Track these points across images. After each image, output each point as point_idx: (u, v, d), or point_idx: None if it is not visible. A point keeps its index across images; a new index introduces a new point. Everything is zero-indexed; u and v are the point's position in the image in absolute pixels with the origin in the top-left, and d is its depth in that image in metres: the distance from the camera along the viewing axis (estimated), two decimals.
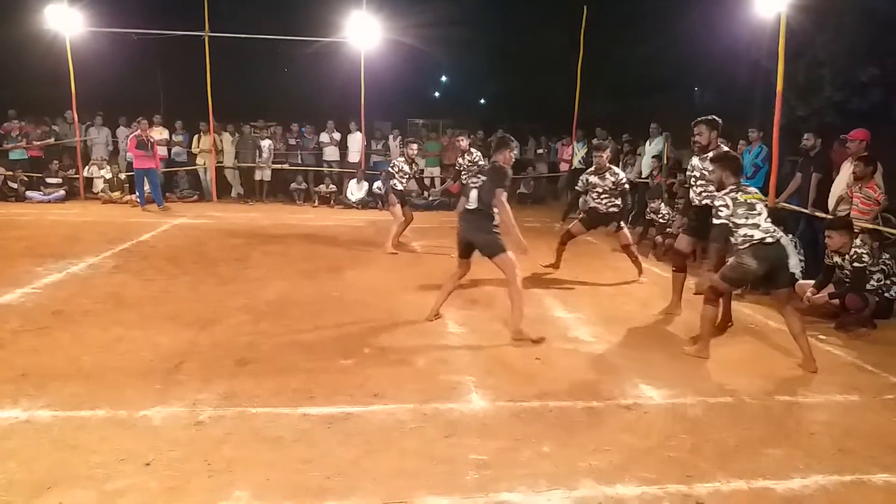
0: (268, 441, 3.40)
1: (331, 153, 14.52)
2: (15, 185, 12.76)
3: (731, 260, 4.85)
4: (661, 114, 12.88)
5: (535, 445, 3.45)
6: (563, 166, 14.88)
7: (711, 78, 18.30)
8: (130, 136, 12.35)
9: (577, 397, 4.09)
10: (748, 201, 4.75)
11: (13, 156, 13.28)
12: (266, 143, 14.02)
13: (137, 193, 12.33)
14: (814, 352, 4.80)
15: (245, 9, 18.53)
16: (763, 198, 4.91)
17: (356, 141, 14.40)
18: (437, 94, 34.45)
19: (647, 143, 11.60)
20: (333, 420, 3.65)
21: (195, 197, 13.96)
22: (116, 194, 13.14)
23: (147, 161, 11.88)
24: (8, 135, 13.36)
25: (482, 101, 33.24)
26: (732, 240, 4.80)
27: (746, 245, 4.68)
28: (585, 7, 13.69)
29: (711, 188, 5.24)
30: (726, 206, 4.77)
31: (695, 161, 5.79)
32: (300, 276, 7.15)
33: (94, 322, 5.26)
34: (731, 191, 4.82)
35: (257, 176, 14.17)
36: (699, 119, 5.72)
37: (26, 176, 13.05)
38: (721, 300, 5.11)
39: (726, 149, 5.43)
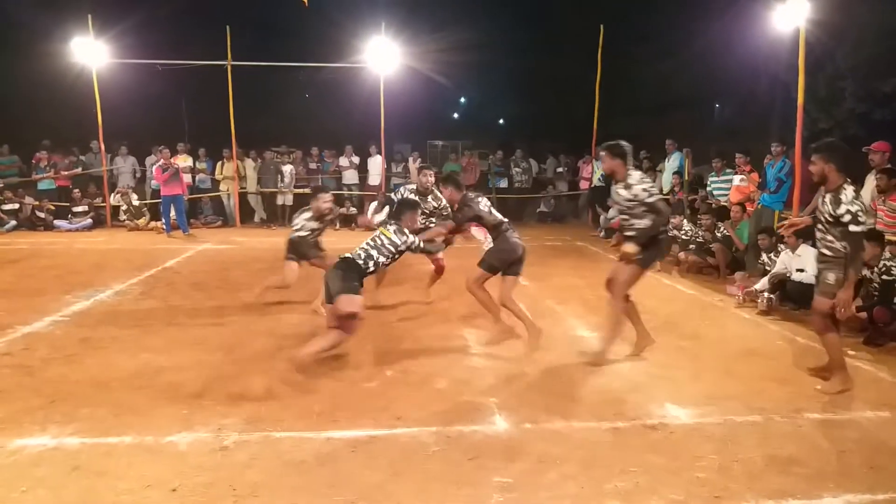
0: (292, 465, 3.41)
1: (350, 177, 14.68)
2: (42, 215, 13.05)
3: (833, 275, 4.44)
4: (681, 130, 12.84)
5: (559, 467, 3.42)
6: (584, 184, 14.86)
7: (731, 93, 18.24)
8: (155, 165, 12.61)
9: (601, 418, 4.05)
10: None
11: (42, 186, 13.63)
12: (287, 169, 14.21)
13: (163, 220, 12.55)
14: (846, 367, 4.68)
15: (266, 37, 18.90)
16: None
17: (376, 164, 14.55)
18: (456, 115, 34.68)
19: (666, 160, 11.56)
20: (357, 443, 3.66)
21: (219, 223, 14.17)
22: (142, 221, 13.38)
23: (173, 188, 12.11)
24: (37, 165, 13.71)
25: (501, 121, 33.40)
26: (830, 250, 4.43)
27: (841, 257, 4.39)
28: (602, 26, 13.76)
29: (631, 220, 4.96)
30: (863, 212, 4.32)
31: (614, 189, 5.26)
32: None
33: (122, 348, 5.34)
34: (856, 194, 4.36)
35: (279, 201, 14.34)
36: (602, 145, 5.21)
37: (53, 205, 13.35)
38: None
39: (638, 174, 4.95)
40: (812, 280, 6.65)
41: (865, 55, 11.13)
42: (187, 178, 13.52)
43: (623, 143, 4.94)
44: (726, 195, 9.74)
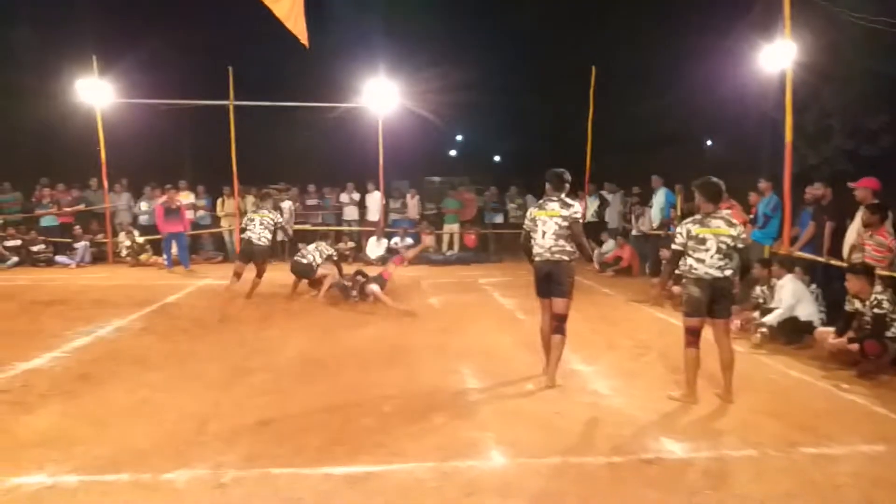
0: (290, 502, 3.43)
1: (350, 213, 14.87)
2: (35, 249, 13.09)
3: (684, 294, 5.09)
4: (672, 166, 13.05)
5: (556, 503, 3.44)
6: None
7: (721, 130, 18.57)
8: (157, 204, 12.74)
9: (598, 452, 4.08)
10: (699, 235, 4.93)
11: (44, 222, 13.74)
12: (287, 205, 14.33)
13: (165, 256, 12.62)
14: (837, 401, 4.78)
15: (268, 78, 19.25)
16: (727, 232, 4.91)
17: (375, 200, 14.74)
18: (452, 152, 35.09)
19: (654, 195, 11.75)
20: (354, 480, 3.68)
21: (220, 258, 14.24)
22: (144, 256, 13.44)
23: (175, 225, 12.22)
24: (39, 201, 13.85)
25: (497, 157, 33.80)
26: (683, 267, 5.04)
27: (691, 276, 4.97)
28: (594, 67, 14.11)
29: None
30: (682, 234, 5.05)
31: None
32: (321, 334, 7.24)
33: (120, 385, 5.36)
34: (693, 221, 5.04)
35: (279, 236, 14.42)
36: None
37: (55, 241, 13.42)
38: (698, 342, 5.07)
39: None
40: (787, 314, 6.82)
41: (852, 94, 11.41)
42: (189, 214, 13.63)
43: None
44: None
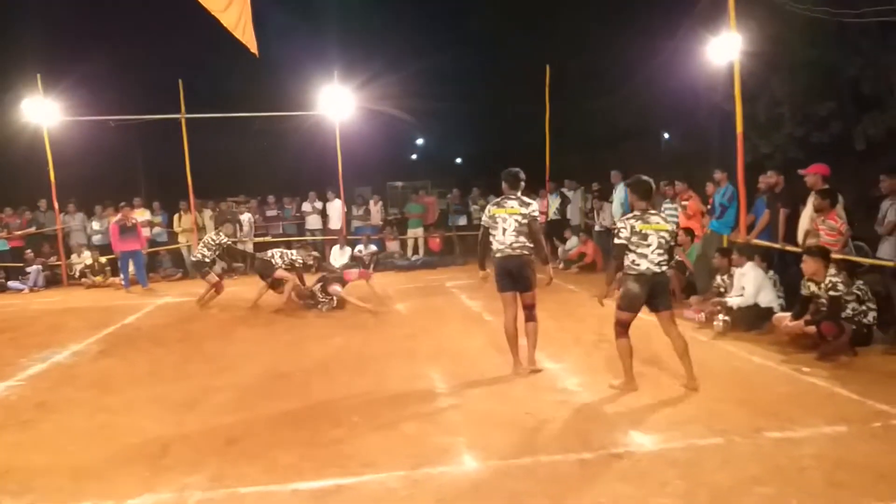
0: None
1: (313, 222, 14.72)
2: None
3: (621, 288, 5.22)
4: (630, 161, 13.21)
5: None
6: (540, 218, 15.11)
7: (675, 123, 18.88)
8: (112, 222, 12.41)
9: (568, 450, 4.09)
10: (643, 231, 5.04)
11: None
12: (245, 217, 14.15)
13: (122, 276, 12.31)
14: (799, 384, 4.88)
15: (219, 89, 18.95)
16: (666, 228, 5.10)
17: (336, 208, 14.60)
18: (414, 156, 35.06)
19: (613, 190, 11.88)
20: (324, 494, 3.63)
21: (179, 275, 13.94)
22: (99, 278, 13.10)
23: (131, 243, 11.91)
24: None
25: (458, 160, 33.87)
26: (625, 262, 5.13)
27: (632, 272, 5.06)
28: (548, 66, 14.24)
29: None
30: (625, 229, 5.11)
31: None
32: (285, 348, 7.14)
33: (79, 411, 5.21)
34: (635, 217, 5.13)
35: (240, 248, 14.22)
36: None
37: (3, 266, 13.00)
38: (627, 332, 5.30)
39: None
40: (750, 301, 6.96)
41: (800, 83, 11.67)
42: (145, 231, 13.33)
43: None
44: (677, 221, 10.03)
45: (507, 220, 5.55)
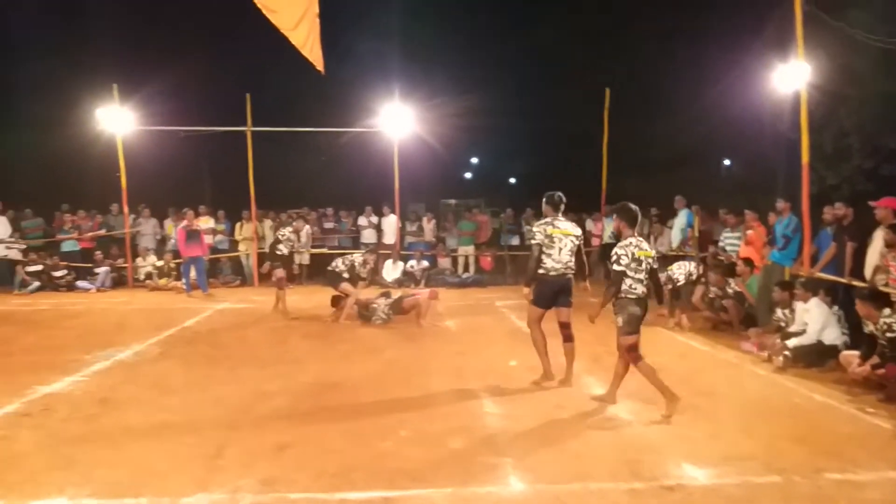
0: None
1: (369, 236, 14.95)
2: (59, 274, 13.28)
3: (621, 316, 5.26)
4: (689, 186, 12.99)
5: None
6: (595, 241, 14.96)
7: (737, 150, 18.47)
8: (179, 227, 12.87)
9: (618, 478, 4.02)
10: (638, 257, 5.20)
11: (65, 247, 13.94)
12: (304, 228, 14.45)
13: (184, 281, 12.70)
14: (863, 425, 4.71)
15: (285, 103, 19.53)
16: (650, 254, 5.31)
17: (391, 223, 14.80)
18: (468, 174, 35.24)
19: (677, 216, 11.67)
20: None
21: (238, 282, 14.34)
22: (163, 281, 13.58)
23: (195, 249, 12.34)
24: (61, 227, 14.07)
25: (512, 180, 33.87)
26: (623, 286, 5.22)
27: (632, 296, 5.20)
28: (608, 90, 14.16)
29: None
30: (626, 256, 5.20)
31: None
32: (337, 358, 7.24)
33: (139, 409, 5.40)
34: (631, 245, 5.24)
35: (297, 260, 14.53)
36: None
37: (76, 266, 13.62)
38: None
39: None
40: (814, 339, 6.71)
41: (869, 114, 11.33)
42: (208, 238, 13.77)
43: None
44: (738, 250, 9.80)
45: (564, 241, 5.76)
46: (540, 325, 6.01)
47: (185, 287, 12.68)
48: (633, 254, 5.20)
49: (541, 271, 5.84)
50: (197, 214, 13.67)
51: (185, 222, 12.65)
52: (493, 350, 7.58)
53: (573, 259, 5.86)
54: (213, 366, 6.91)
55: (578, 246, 5.93)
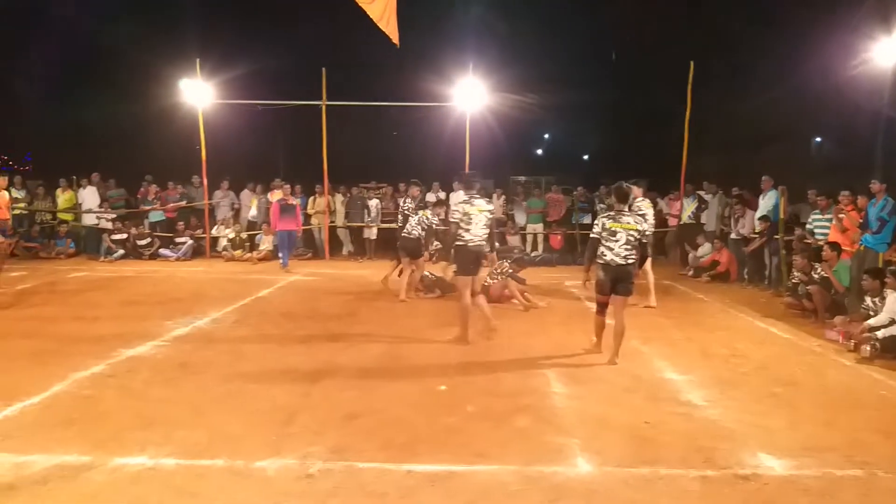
0: (374, 497, 3.48)
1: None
2: (143, 243, 13.93)
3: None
4: (775, 165, 12.34)
5: None
6: (672, 221, 14.49)
7: (829, 128, 17.42)
8: (274, 201, 13.10)
9: (689, 465, 3.91)
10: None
11: (152, 217, 14.61)
12: (374, 203, 14.62)
13: (281, 254, 12.67)
14: None
15: (358, 78, 19.69)
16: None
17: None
18: (539, 151, 34.76)
19: (761, 197, 11.12)
20: (437, 478, 3.68)
21: (309, 255, 14.66)
22: (238, 252, 14.04)
23: (289, 223, 12.50)
24: (145, 198, 14.73)
25: (585, 157, 33.19)
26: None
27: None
28: (693, 63, 13.52)
29: None
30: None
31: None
32: (406, 331, 7.32)
33: (216, 374, 5.61)
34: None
35: (366, 234, 14.74)
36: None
37: (159, 235, 14.25)
38: (605, 312, 6.20)
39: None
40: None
41: None
42: None
43: None
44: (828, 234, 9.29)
45: (620, 234, 5.93)
46: (604, 309, 6.20)
47: (282, 261, 12.48)
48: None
49: (600, 260, 6.05)
50: (271, 188, 14.00)
51: (280, 196, 12.85)
52: (561, 330, 7.48)
53: (630, 251, 5.95)
54: (285, 335, 7.11)
55: (639, 239, 6.07)
